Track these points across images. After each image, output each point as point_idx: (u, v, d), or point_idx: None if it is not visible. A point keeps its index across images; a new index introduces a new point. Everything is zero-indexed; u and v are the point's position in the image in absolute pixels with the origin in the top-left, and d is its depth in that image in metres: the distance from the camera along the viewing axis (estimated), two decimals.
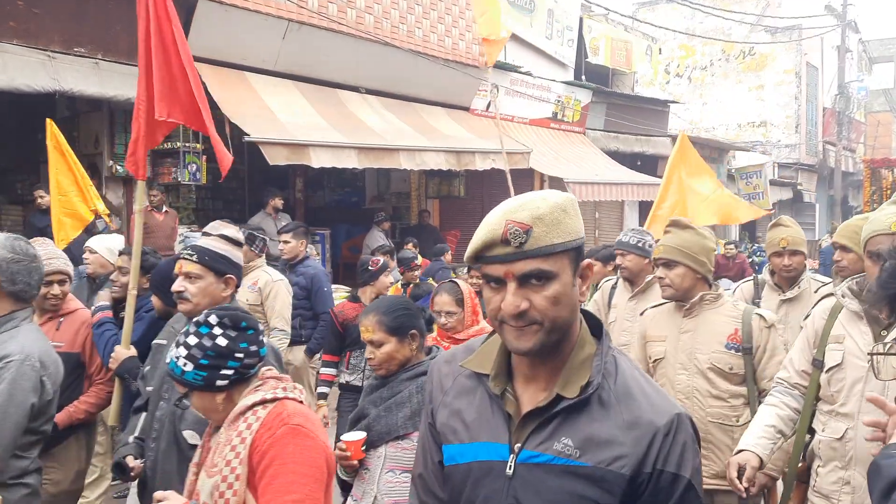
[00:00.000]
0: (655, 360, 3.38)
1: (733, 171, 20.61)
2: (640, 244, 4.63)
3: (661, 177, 16.33)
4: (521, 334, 1.36)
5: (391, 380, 2.67)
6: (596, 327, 1.47)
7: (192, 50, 8.19)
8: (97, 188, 8.26)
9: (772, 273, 4.47)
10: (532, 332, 1.35)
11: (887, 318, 2.38)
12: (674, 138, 17.60)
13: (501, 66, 12.52)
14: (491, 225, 1.36)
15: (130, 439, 2.86)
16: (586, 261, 1.41)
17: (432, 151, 9.94)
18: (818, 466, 2.68)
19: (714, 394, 3.18)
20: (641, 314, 3.70)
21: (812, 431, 2.77)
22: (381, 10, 10.28)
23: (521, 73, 13.01)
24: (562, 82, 14.14)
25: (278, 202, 9.26)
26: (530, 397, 1.42)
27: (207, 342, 2.07)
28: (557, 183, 12.81)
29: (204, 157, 8.67)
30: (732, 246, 14.63)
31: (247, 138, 7.83)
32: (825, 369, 2.66)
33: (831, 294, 2.86)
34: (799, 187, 24.47)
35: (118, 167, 8.10)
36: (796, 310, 4.12)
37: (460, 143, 10.75)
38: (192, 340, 2.08)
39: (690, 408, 3.17)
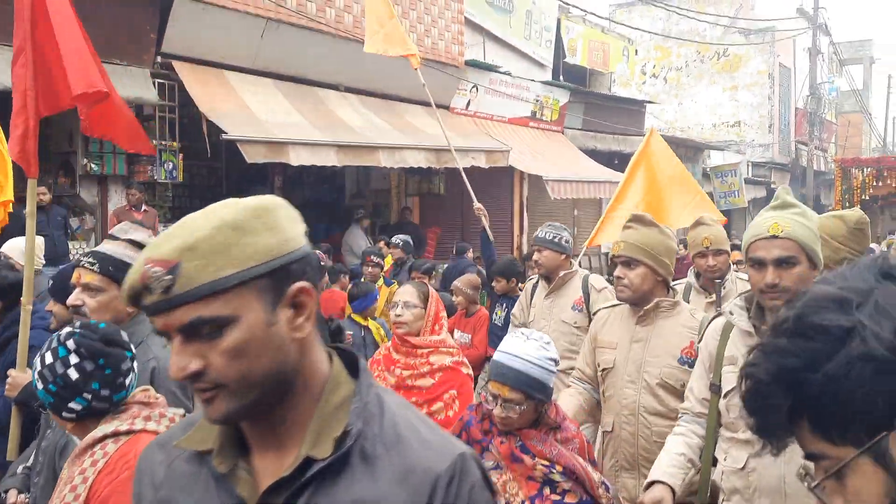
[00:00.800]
0: (604, 370, 3.10)
1: (708, 169, 20.85)
2: (556, 239, 4.42)
3: None
4: (207, 402, 1.04)
5: None
6: (352, 363, 1.16)
7: (168, 48, 8.23)
8: (70, 186, 8.18)
9: (697, 275, 4.29)
10: (220, 399, 1.03)
11: None
12: None
13: (480, 66, 12.56)
14: (133, 268, 1.03)
15: (19, 469, 2.56)
16: (298, 285, 1.07)
17: (412, 149, 9.94)
18: (722, 501, 2.42)
19: (661, 412, 2.91)
20: (594, 314, 3.45)
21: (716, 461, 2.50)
22: (360, 10, 10.24)
23: (500, 72, 13.05)
24: (540, 82, 14.21)
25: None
26: (271, 468, 1.08)
27: (60, 368, 1.80)
28: (536, 181, 12.87)
29: (181, 156, 8.60)
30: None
31: (224, 136, 7.78)
32: (722, 394, 2.42)
33: (719, 314, 2.62)
34: (772, 186, 24.78)
35: (93, 165, 8.01)
36: None
37: (440, 142, 10.77)
38: (48, 358, 1.82)
39: (634, 424, 2.97)
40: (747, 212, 21.71)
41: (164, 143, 8.34)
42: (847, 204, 13.90)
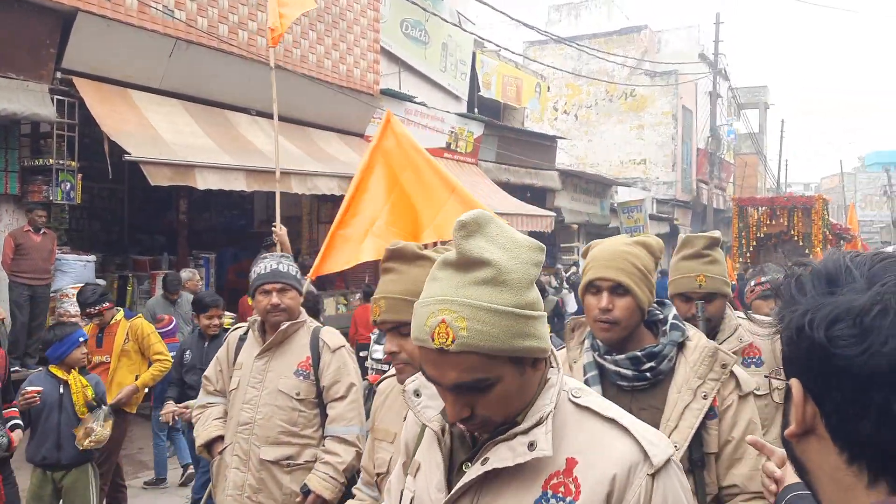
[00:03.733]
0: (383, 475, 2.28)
1: (616, 205, 21.52)
2: (286, 270, 3.25)
3: (550, 208, 16.92)
4: None
5: None
6: None
7: (69, 63, 7.88)
8: None
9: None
10: None
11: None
12: (562, 172, 18.25)
13: (396, 95, 12.59)
14: None
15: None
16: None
17: (324, 177, 9.82)
18: None
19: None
20: (376, 386, 2.38)
21: None
22: None
23: (415, 102, 13.12)
24: (455, 114, 14.37)
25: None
26: None
27: None
28: None
29: (79, 176, 8.20)
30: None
31: (127, 157, 7.47)
32: None
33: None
34: (676, 222, 25.80)
35: None
36: None
37: (354, 170, 10.68)
38: None
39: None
40: None
41: (61, 162, 7.93)
42: (743, 241, 14.60)
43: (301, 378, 3.18)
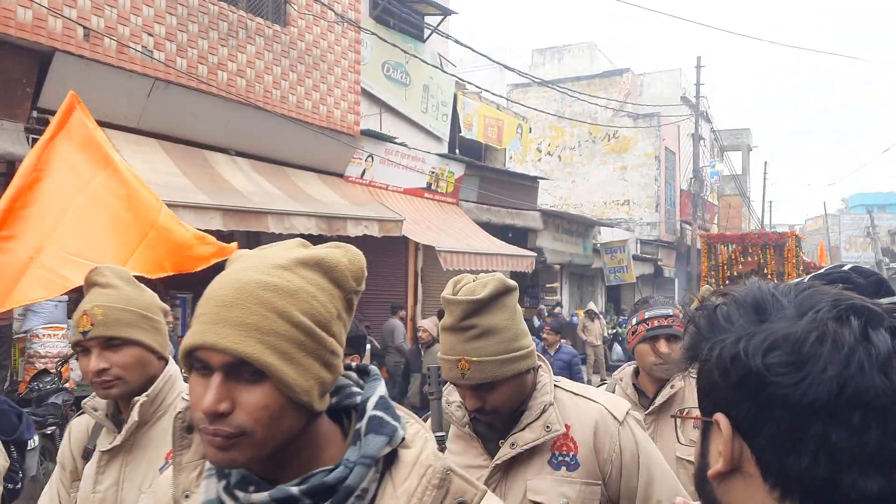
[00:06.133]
0: None
1: (599, 245, 21.60)
2: None
3: (532, 249, 16.96)
4: None
5: None
6: None
7: (46, 103, 7.90)
8: None
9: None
10: None
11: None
12: (544, 213, 18.33)
13: (376, 136, 12.68)
14: None
15: None
16: None
17: (302, 216, 9.82)
18: None
19: None
20: None
21: None
22: (254, 75, 10.22)
23: (395, 143, 13.21)
24: (436, 154, 14.47)
25: None
26: None
27: None
28: (430, 251, 12.93)
29: None
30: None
31: None
32: None
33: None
34: (660, 263, 25.91)
35: None
36: None
37: (333, 209, 10.70)
38: None
39: None
40: (636, 287, 22.52)
41: None
42: (713, 279, 14.42)
43: None
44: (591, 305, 17.50)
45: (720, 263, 14.41)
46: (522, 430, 1.77)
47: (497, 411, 1.76)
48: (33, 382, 7.10)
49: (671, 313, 2.64)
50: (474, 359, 1.69)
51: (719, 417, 0.82)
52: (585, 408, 1.82)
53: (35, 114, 7.96)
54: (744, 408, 0.80)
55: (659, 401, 2.66)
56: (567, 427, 1.78)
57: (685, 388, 2.63)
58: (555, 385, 1.86)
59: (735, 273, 14.22)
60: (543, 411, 1.78)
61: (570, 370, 8.22)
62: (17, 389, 7.77)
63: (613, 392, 2.71)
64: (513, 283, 1.78)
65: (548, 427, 1.76)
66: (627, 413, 1.84)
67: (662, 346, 2.61)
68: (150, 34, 8.78)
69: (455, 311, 1.71)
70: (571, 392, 1.86)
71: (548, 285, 19.96)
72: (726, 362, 0.81)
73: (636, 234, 24.66)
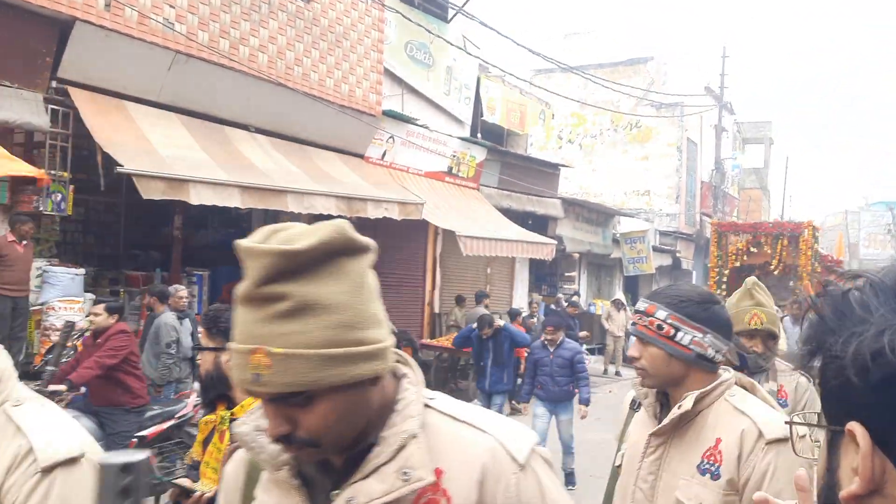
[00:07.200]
0: None
1: (618, 235, 21.34)
2: None
3: (551, 236, 16.72)
4: None
5: None
6: None
7: (65, 73, 7.76)
8: None
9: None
10: None
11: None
12: (564, 200, 18.11)
13: (398, 117, 12.49)
14: None
15: None
16: None
17: (322, 196, 9.66)
18: None
19: None
20: None
21: None
22: (276, 50, 10.05)
23: (417, 125, 13.02)
24: (458, 138, 14.26)
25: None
26: None
27: None
28: (450, 236, 12.76)
29: (71, 187, 8.05)
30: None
31: (119, 169, 7.32)
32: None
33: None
34: (678, 255, 25.60)
35: None
36: None
37: (353, 190, 10.53)
38: None
39: None
40: (654, 278, 22.26)
41: (53, 172, 7.78)
42: (718, 271, 13.88)
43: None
44: (619, 295, 17.26)
45: (729, 254, 13.78)
46: (366, 477, 1.08)
47: (316, 443, 1.07)
48: (48, 355, 7.02)
49: (643, 308, 2.00)
50: (277, 350, 1.00)
51: (855, 427, 0.67)
52: (471, 442, 1.12)
53: (54, 83, 7.84)
54: (887, 416, 0.65)
55: (670, 420, 1.96)
56: (437, 473, 1.09)
57: (709, 411, 1.95)
58: (426, 405, 1.15)
59: (740, 265, 13.61)
60: (401, 448, 1.09)
61: (571, 369, 7.46)
62: (31, 362, 7.70)
63: (633, 400, 2.25)
64: (365, 239, 1.09)
65: (405, 474, 1.07)
66: (532, 451, 1.14)
67: (633, 349, 2.03)
68: (171, 6, 8.63)
69: (255, 268, 1.03)
70: (452, 417, 1.15)
71: (566, 274, 19.75)
72: (866, 359, 0.66)
73: (655, 225, 24.36)
